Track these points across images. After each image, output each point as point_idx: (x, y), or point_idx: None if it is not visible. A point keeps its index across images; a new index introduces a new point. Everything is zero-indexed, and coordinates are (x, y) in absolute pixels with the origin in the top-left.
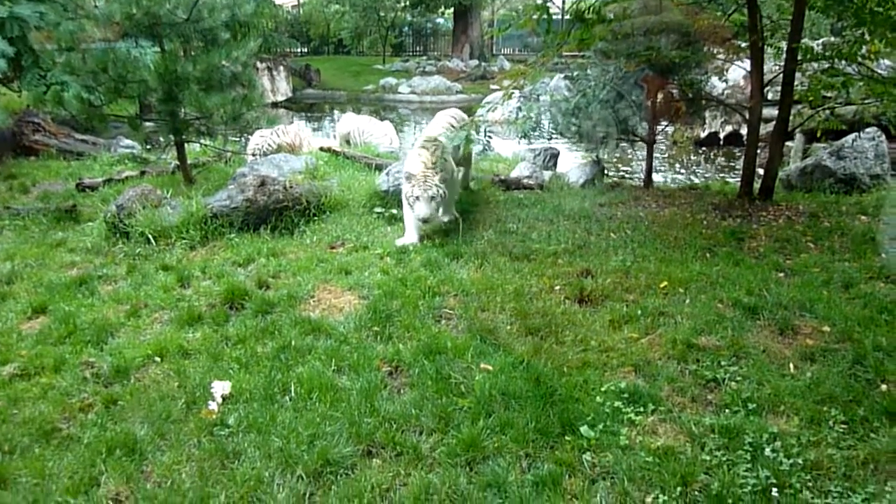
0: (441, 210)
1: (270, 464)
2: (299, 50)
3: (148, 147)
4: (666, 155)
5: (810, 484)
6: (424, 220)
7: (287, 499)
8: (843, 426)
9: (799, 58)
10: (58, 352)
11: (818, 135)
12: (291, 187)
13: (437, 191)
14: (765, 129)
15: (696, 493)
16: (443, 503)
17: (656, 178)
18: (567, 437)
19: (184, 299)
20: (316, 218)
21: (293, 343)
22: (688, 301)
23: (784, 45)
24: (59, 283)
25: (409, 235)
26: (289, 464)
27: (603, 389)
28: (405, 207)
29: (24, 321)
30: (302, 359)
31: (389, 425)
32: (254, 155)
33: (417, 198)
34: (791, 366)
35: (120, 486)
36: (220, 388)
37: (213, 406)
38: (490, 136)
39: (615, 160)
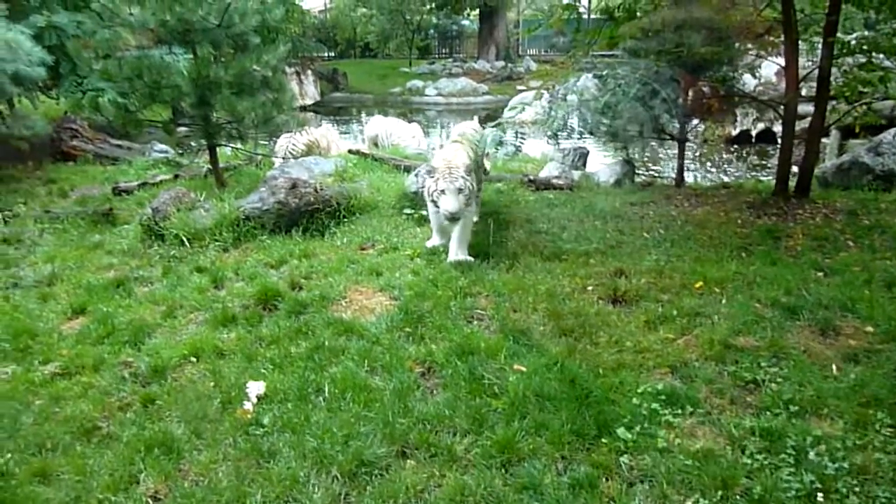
0: (470, 205)
1: (305, 463)
2: (326, 54)
3: (181, 152)
4: (697, 154)
5: (857, 489)
6: (452, 217)
7: (322, 499)
8: (889, 429)
9: (835, 52)
10: (97, 351)
11: (856, 130)
12: (322, 189)
13: (464, 182)
14: (799, 125)
15: (738, 497)
16: None
17: (688, 177)
18: (603, 440)
19: (218, 300)
20: (346, 219)
21: (326, 343)
22: (724, 301)
23: (818, 40)
24: (97, 284)
25: (435, 237)
26: (324, 464)
27: (639, 391)
28: (429, 206)
29: (64, 321)
30: (335, 359)
31: (423, 426)
32: (284, 158)
33: (443, 191)
34: (834, 367)
35: (158, 484)
36: (255, 388)
37: (248, 406)
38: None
39: (645, 160)
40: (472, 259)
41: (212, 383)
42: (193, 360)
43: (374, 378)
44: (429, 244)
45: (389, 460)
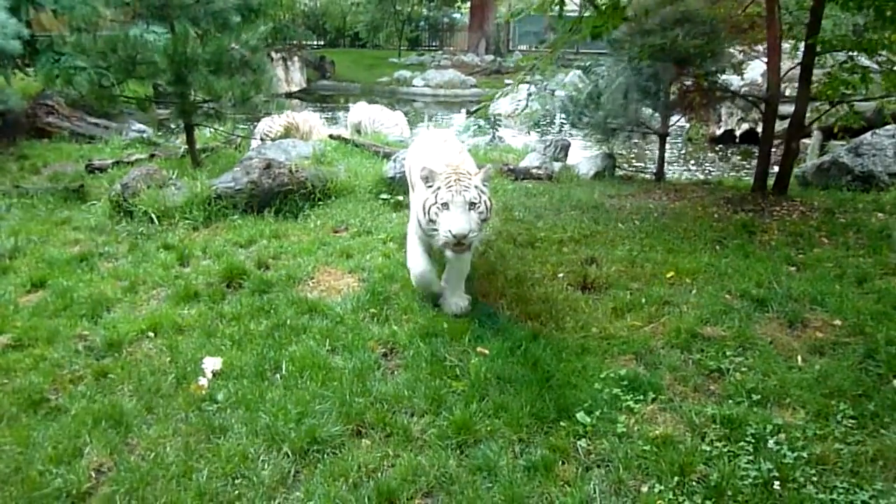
0: (483, 229)
1: (257, 440)
2: (315, 42)
3: (160, 133)
4: (682, 152)
5: (815, 479)
6: (458, 243)
7: (271, 476)
8: (851, 421)
9: (819, 49)
10: (52, 324)
11: (836, 132)
12: (297, 171)
13: (479, 194)
14: (781, 126)
15: (694, 483)
16: (430, 485)
17: (669, 173)
18: (562, 423)
19: (182, 277)
20: (321, 202)
21: (288, 322)
22: (694, 291)
23: (802, 41)
24: (59, 259)
25: (420, 261)
26: (275, 441)
27: (602, 376)
28: (415, 225)
29: (22, 294)
30: (296, 338)
31: (381, 406)
32: (261, 139)
33: (445, 205)
34: (799, 358)
35: (103, 457)
36: (212, 364)
37: (203, 381)
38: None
39: (628, 154)
40: (468, 304)
41: (168, 358)
42: (151, 334)
43: (335, 357)
44: (417, 272)
45: (343, 439)
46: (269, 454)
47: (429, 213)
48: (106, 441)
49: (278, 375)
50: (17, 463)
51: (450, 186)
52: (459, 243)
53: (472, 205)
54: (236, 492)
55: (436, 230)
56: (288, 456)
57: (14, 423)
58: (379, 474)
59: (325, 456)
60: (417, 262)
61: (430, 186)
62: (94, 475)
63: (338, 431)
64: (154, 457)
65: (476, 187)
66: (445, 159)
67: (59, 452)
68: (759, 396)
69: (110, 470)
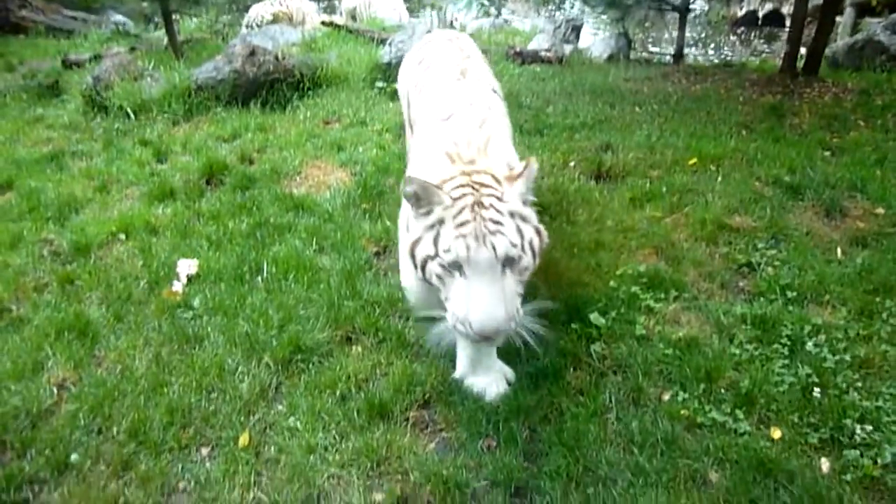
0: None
1: (235, 350)
2: None
3: (141, 26)
4: (701, 35)
5: (859, 384)
6: (488, 336)
7: (250, 389)
8: None
9: None
10: (16, 228)
11: (874, 6)
12: (284, 59)
13: (521, 233)
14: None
15: (723, 390)
16: (426, 396)
17: (688, 58)
18: (574, 326)
19: (158, 175)
20: (311, 92)
21: (272, 220)
22: (720, 179)
23: None
24: (28, 159)
25: (407, 275)
26: (255, 350)
27: (618, 273)
28: (407, 266)
29: None
30: (280, 237)
31: (372, 310)
32: (248, 27)
33: (456, 266)
34: (839, 251)
35: (67, 371)
36: (186, 266)
37: (177, 286)
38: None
39: (644, 38)
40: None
41: (140, 262)
42: (122, 237)
43: (322, 258)
44: (408, 289)
45: (331, 347)
46: (248, 365)
47: (425, 268)
48: (70, 354)
49: (260, 278)
50: None
51: (463, 224)
52: (485, 338)
53: (508, 261)
54: (212, 407)
55: (441, 299)
56: (269, 367)
57: None
58: (370, 385)
59: (311, 366)
60: (409, 276)
61: (425, 213)
62: (56, 391)
63: (325, 339)
64: (122, 370)
65: (513, 214)
66: (450, 134)
67: (18, 367)
68: (794, 293)
69: (74, 385)
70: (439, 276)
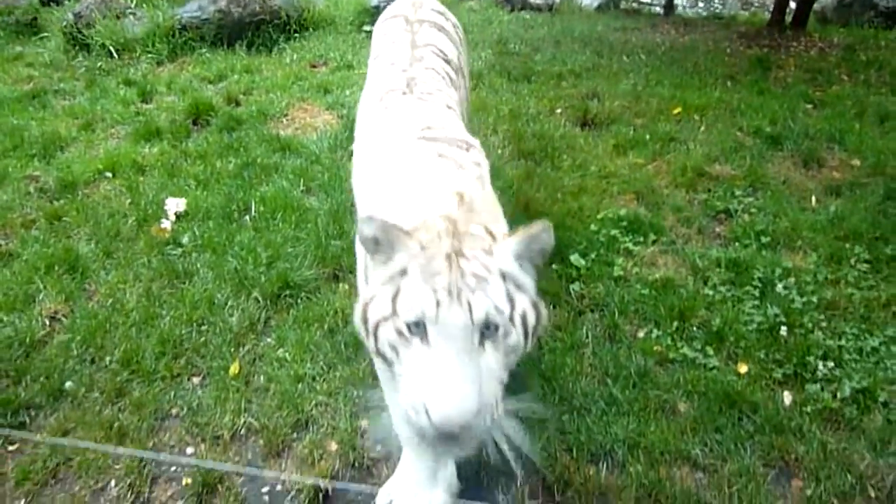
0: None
1: (224, 286)
2: None
3: None
4: None
5: (824, 324)
6: (449, 432)
7: (240, 321)
8: (865, 265)
9: None
10: (1, 165)
11: None
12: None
13: (510, 298)
14: None
15: (695, 328)
16: None
17: (679, 10)
18: (554, 266)
19: (143, 114)
20: (297, 35)
21: (259, 160)
22: (703, 128)
23: None
24: (9, 97)
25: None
26: (244, 286)
27: (599, 217)
28: (375, 362)
29: None
30: (267, 177)
31: None
32: None
33: (417, 328)
34: (813, 199)
35: (58, 304)
36: (175, 205)
37: (165, 224)
38: None
39: None
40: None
41: (128, 200)
42: (109, 175)
43: (309, 198)
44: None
45: (319, 283)
46: (237, 300)
47: (377, 337)
48: (61, 287)
49: (247, 217)
50: None
51: (434, 274)
52: (449, 437)
53: (489, 331)
54: (202, 339)
55: (392, 383)
56: (258, 301)
57: None
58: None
59: (299, 301)
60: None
61: (383, 262)
62: (48, 323)
63: (312, 276)
64: (113, 303)
65: (504, 276)
66: (417, 175)
67: (9, 300)
68: (768, 239)
69: (66, 317)
70: (392, 346)
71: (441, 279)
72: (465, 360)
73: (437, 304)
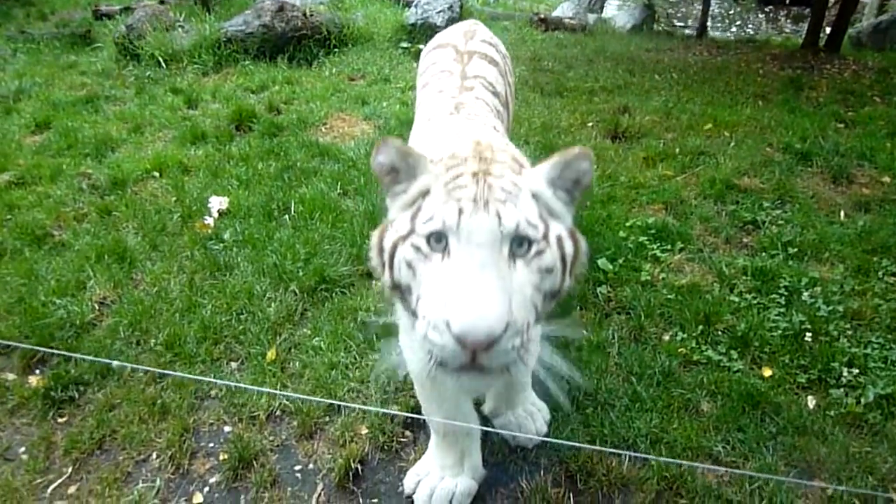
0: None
1: (263, 279)
2: None
3: None
4: (728, 12)
5: (849, 332)
6: (475, 347)
7: (277, 311)
8: (893, 278)
9: None
10: (56, 163)
11: None
12: (311, 15)
13: (542, 219)
14: None
15: (720, 333)
16: None
17: (713, 34)
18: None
19: (189, 119)
20: (337, 50)
21: (298, 164)
22: (733, 143)
23: None
24: (65, 101)
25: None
26: (283, 279)
27: (628, 224)
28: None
29: (26, 135)
30: (306, 180)
31: None
32: None
33: (438, 239)
34: (842, 213)
35: (107, 290)
36: (218, 203)
37: (208, 220)
38: None
39: (667, 10)
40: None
41: (173, 197)
42: (156, 174)
43: (346, 200)
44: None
45: (353, 279)
46: (275, 292)
47: (393, 260)
48: (110, 275)
49: (287, 216)
50: (20, 294)
51: (459, 188)
52: (473, 358)
53: (520, 244)
54: (241, 327)
55: (411, 309)
56: (295, 294)
57: (17, 257)
58: (389, 314)
59: (334, 295)
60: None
61: (404, 190)
62: (97, 307)
63: (347, 272)
64: (158, 291)
65: (536, 196)
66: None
67: (62, 285)
68: (795, 250)
69: (114, 303)
70: (409, 265)
71: (466, 192)
72: (492, 269)
73: (460, 211)
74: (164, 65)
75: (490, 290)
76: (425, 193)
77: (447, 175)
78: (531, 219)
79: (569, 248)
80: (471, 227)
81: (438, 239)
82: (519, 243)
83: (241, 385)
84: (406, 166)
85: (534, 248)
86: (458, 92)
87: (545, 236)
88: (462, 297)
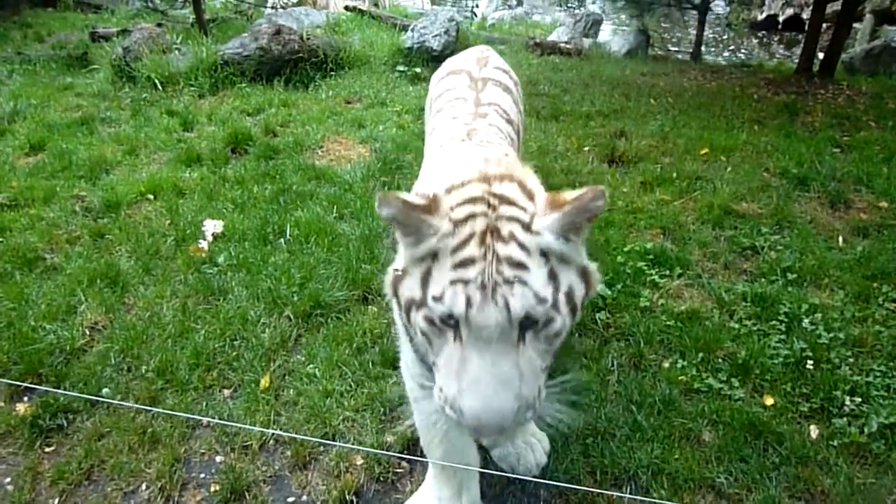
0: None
1: (258, 304)
2: None
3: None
4: (721, 37)
5: (851, 360)
6: (483, 432)
7: (272, 338)
8: (893, 304)
9: None
10: (49, 185)
11: (894, 13)
12: (308, 38)
13: (553, 284)
14: (832, 7)
15: (720, 360)
16: None
17: (706, 58)
18: None
19: (185, 142)
20: (333, 73)
21: (294, 187)
22: (729, 168)
23: None
24: (59, 123)
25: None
26: (277, 304)
27: (626, 249)
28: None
29: (20, 156)
30: (302, 203)
31: None
32: (272, 7)
33: (450, 322)
34: (840, 239)
35: (98, 315)
36: (212, 226)
37: (203, 244)
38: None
39: (662, 35)
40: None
41: (167, 221)
42: (151, 197)
43: (342, 224)
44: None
45: (349, 304)
46: (270, 317)
47: (409, 316)
48: (101, 300)
49: (282, 240)
50: (9, 319)
51: (465, 263)
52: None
53: (530, 324)
54: (234, 353)
55: (426, 371)
56: (290, 319)
57: (7, 280)
58: (384, 340)
59: (329, 321)
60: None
61: (413, 242)
62: (88, 332)
63: (343, 297)
64: (150, 316)
65: (546, 254)
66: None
67: (52, 309)
68: (794, 276)
69: (105, 328)
70: (425, 334)
71: (473, 270)
72: (501, 362)
73: (468, 302)
74: (160, 87)
75: (500, 384)
76: (433, 255)
77: (453, 239)
78: (541, 293)
79: (579, 292)
80: (479, 322)
81: (449, 320)
82: (528, 324)
83: (231, 423)
84: (409, 221)
85: (542, 321)
86: (472, 119)
87: (555, 303)
88: (474, 392)
